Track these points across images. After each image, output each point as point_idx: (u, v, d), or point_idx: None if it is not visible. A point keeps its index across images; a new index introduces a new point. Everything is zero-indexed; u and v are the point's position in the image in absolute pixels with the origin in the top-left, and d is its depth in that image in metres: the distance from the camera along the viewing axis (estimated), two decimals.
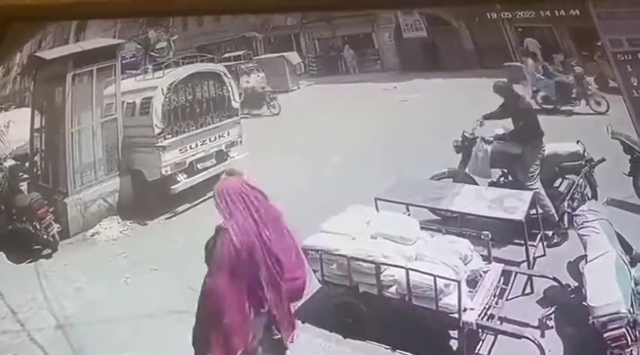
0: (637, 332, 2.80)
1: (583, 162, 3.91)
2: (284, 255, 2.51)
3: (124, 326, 3.20)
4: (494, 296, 3.28)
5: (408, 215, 3.75)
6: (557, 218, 3.84)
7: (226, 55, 5.04)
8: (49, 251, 3.78)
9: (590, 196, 3.87)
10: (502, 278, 3.39)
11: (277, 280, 2.46)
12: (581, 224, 3.36)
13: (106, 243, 3.87)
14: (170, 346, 3.00)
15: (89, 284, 3.52)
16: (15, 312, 3.27)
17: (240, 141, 4.65)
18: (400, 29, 4.72)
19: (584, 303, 2.90)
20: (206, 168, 4.49)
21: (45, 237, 3.80)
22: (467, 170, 4.14)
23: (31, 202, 3.89)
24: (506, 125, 4.14)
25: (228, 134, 4.65)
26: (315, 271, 3.42)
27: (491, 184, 4.09)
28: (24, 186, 4.12)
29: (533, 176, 3.94)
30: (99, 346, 3.10)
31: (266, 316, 2.48)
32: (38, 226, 3.81)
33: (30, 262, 3.65)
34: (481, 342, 3.13)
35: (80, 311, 3.33)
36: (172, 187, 4.27)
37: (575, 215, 3.48)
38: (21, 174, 4.14)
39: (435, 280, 3.06)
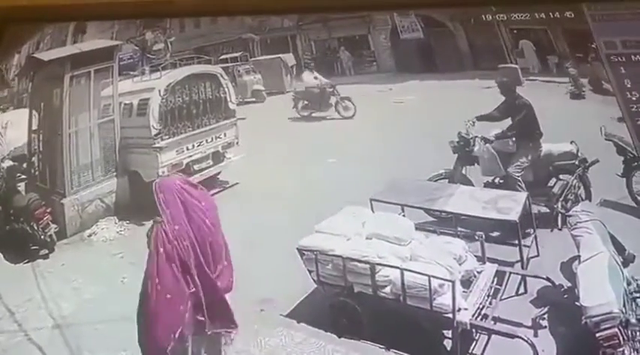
0: (629, 332, 2.81)
1: (576, 162, 3.94)
2: (217, 247, 2.76)
3: (121, 326, 3.19)
4: (488, 297, 3.29)
5: (403, 216, 3.76)
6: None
7: (223, 57, 5.04)
8: (47, 251, 3.79)
9: (583, 197, 3.90)
10: (496, 279, 3.40)
11: (204, 268, 2.71)
12: (575, 224, 3.38)
13: (103, 244, 3.88)
14: None
15: (86, 284, 3.53)
16: (12, 312, 3.28)
17: (237, 143, 4.66)
18: (396, 31, 4.72)
19: (577, 303, 2.92)
20: (202, 170, 4.51)
21: (42, 237, 3.81)
22: (481, 173, 4.18)
23: (28, 203, 3.89)
24: (502, 126, 4.17)
25: (225, 135, 4.66)
26: (310, 271, 3.44)
27: (487, 185, 4.12)
28: (22, 186, 4.13)
29: (519, 165, 3.96)
30: (96, 346, 3.10)
31: (192, 299, 2.71)
32: (36, 227, 3.82)
33: (27, 262, 3.65)
34: (475, 342, 3.14)
35: (77, 311, 3.33)
36: None
37: (569, 215, 3.50)
38: (19, 174, 4.15)
39: (429, 280, 3.08)
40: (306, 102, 5.00)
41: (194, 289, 2.70)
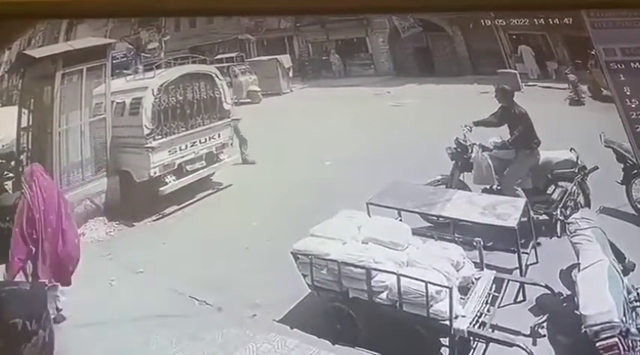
0: (629, 342, 2.77)
1: (576, 170, 3.92)
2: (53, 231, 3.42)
3: (109, 329, 3.13)
4: (486, 304, 3.24)
5: (400, 220, 3.71)
6: None
7: (218, 57, 5.00)
8: None
9: (583, 204, 3.87)
10: (494, 286, 3.35)
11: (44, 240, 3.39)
12: (574, 232, 3.35)
13: (91, 244, 3.79)
14: (154, 349, 2.96)
15: (73, 286, 3.44)
16: None
17: (231, 144, 4.59)
18: (394, 34, 4.72)
19: (576, 312, 2.88)
20: (195, 170, 4.43)
21: None
22: (472, 181, 4.14)
23: (15, 202, 3.81)
24: (499, 132, 4.14)
25: (219, 136, 4.60)
26: (304, 276, 3.37)
27: (484, 191, 4.08)
28: (9, 185, 4.04)
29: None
30: (83, 349, 3.03)
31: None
32: None
33: None
34: (472, 350, 3.08)
35: (63, 314, 3.25)
36: (161, 189, 4.21)
37: (568, 223, 3.47)
38: (6, 172, 4.07)
39: (426, 286, 3.02)
40: None
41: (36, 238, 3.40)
